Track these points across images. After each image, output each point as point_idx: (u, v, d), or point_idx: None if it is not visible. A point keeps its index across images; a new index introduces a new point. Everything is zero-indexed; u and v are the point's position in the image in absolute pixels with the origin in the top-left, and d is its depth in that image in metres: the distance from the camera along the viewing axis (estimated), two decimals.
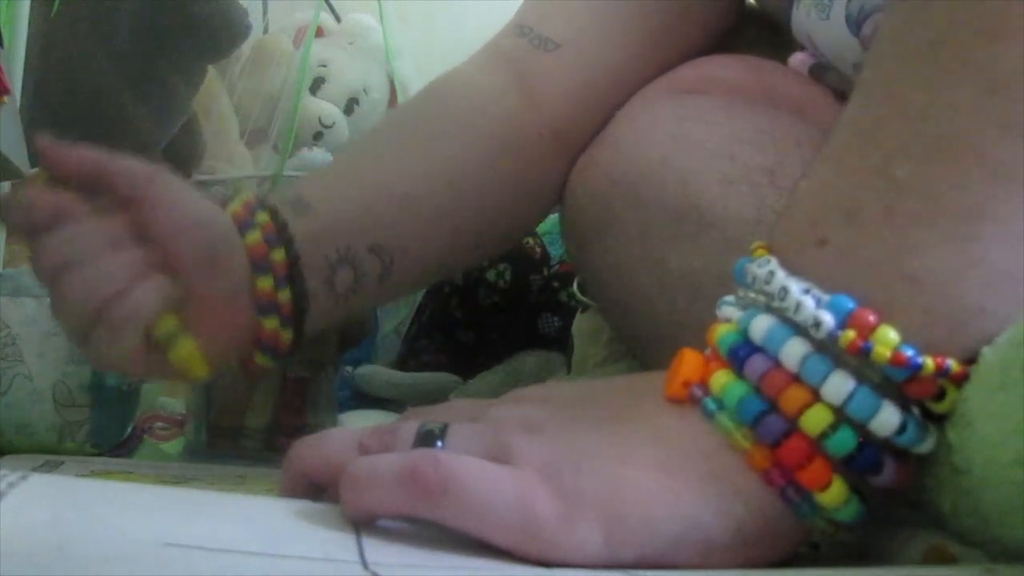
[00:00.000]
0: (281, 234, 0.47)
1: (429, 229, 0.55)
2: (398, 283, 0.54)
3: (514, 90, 0.58)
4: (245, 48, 1.06)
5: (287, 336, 0.48)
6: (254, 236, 0.46)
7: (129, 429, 0.58)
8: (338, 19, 1.34)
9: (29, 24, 0.69)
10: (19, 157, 0.59)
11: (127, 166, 0.45)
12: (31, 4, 0.69)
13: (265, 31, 1.25)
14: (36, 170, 0.43)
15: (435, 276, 0.63)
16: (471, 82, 0.59)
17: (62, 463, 0.50)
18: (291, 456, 0.36)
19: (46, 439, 0.52)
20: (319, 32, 1.23)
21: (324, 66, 1.23)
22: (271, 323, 0.47)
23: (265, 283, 0.46)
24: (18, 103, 0.63)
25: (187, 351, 0.44)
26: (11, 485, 0.29)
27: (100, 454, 0.55)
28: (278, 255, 0.47)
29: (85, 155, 0.44)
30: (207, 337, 0.45)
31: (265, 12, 1.26)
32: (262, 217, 0.47)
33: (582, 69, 0.57)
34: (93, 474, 0.47)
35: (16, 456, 0.52)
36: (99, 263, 0.42)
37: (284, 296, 0.47)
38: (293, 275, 0.47)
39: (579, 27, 0.58)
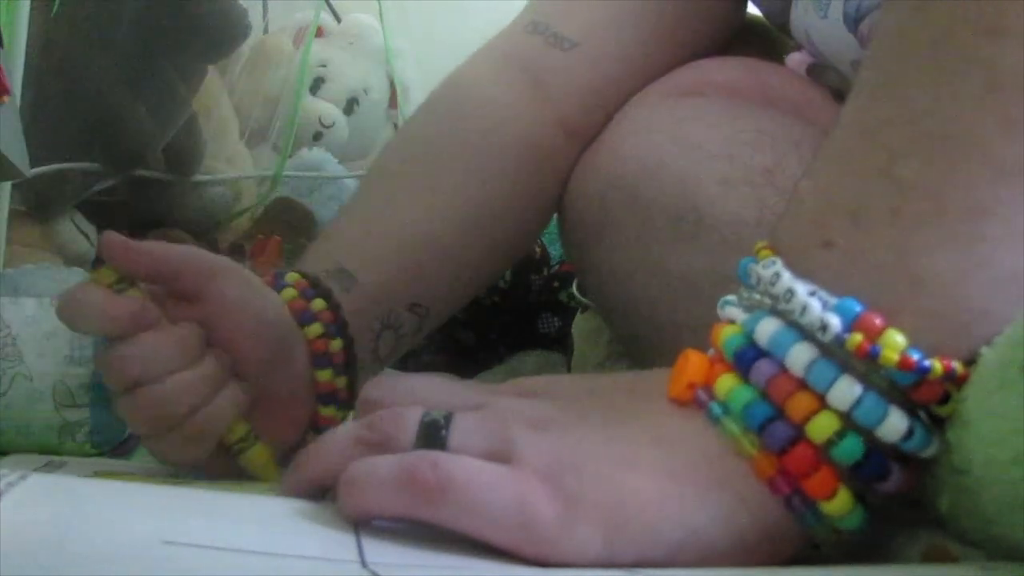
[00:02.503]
0: (338, 323, 0.48)
1: (459, 269, 0.56)
2: (429, 328, 0.56)
3: (529, 95, 0.58)
4: (245, 48, 1.06)
5: (340, 416, 0.50)
6: (315, 330, 0.47)
7: (129, 429, 0.58)
8: (338, 19, 1.33)
9: (29, 24, 0.69)
10: (19, 157, 0.59)
11: (191, 258, 0.45)
12: (31, 4, 0.69)
13: (265, 31, 1.25)
14: (103, 268, 0.43)
15: (459, 307, 0.63)
16: (487, 95, 0.58)
17: (64, 464, 0.50)
18: (295, 461, 0.36)
19: (46, 439, 0.52)
20: (319, 32, 1.23)
21: (324, 66, 1.23)
22: (329, 411, 0.49)
23: (325, 375, 0.48)
24: (18, 103, 0.63)
25: (260, 457, 0.45)
26: (11, 485, 0.29)
27: (100, 454, 0.54)
28: (336, 345, 0.48)
29: (151, 250, 0.44)
30: (273, 437, 0.46)
31: (265, 12, 1.26)
32: (318, 304, 0.48)
33: (597, 67, 0.58)
34: (95, 474, 0.47)
35: (17, 456, 0.52)
36: (178, 379, 0.42)
37: (341, 382, 0.49)
38: (349, 361, 0.49)
39: (595, 25, 0.58)
